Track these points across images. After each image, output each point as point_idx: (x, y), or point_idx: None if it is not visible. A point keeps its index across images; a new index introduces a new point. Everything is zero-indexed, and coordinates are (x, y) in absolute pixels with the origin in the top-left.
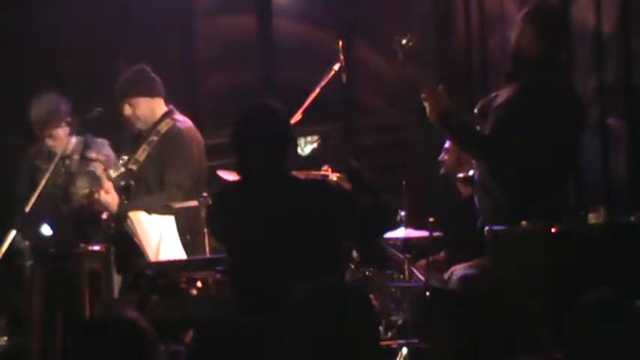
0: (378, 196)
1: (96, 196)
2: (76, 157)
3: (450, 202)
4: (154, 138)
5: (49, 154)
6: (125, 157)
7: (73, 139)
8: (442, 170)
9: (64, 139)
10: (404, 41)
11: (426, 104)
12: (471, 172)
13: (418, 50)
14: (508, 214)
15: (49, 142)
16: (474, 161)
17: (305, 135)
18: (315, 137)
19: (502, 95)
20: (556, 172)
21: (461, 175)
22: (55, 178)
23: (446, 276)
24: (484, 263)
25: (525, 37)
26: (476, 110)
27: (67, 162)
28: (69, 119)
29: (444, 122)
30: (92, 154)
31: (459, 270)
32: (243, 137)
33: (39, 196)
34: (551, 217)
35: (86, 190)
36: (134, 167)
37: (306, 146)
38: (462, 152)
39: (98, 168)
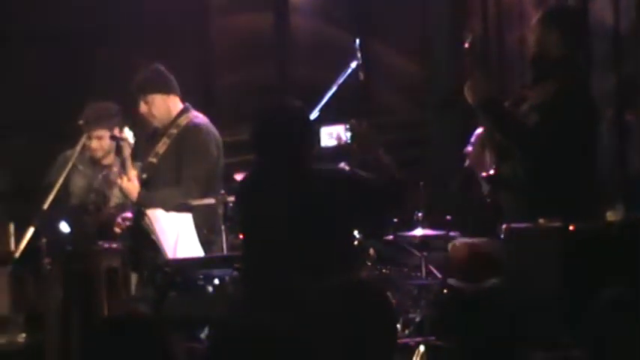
0: (394, 173)
1: (118, 181)
2: (115, 169)
3: (471, 197)
4: (174, 131)
5: (91, 159)
6: (139, 164)
7: (113, 155)
8: (466, 162)
9: (106, 145)
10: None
11: (468, 90)
12: (491, 172)
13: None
14: (529, 211)
15: (92, 144)
16: (493, 160)
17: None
18: (349, 126)
19: (533, 97)
20: (578, 170)
21: (484, 174)
22: (91, 182)
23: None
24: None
25: (546, 39)
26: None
27: (106, 172)
28: (116, 127)
29: (486, 108)
30: (122, 134)
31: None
32: (261, 134)
33: (68, 195)
34: (569, 215)
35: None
36: (154, 160)
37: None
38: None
39: (125, 150)
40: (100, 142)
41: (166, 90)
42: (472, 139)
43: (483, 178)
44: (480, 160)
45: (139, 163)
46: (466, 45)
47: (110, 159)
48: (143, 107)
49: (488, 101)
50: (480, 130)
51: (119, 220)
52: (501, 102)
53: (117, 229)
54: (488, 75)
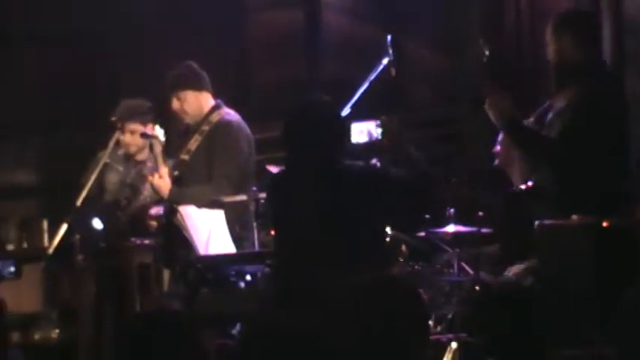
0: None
1: (150, 178)
2: (149, 164)
3: (503, 195)
4: (206, 127)
5: (125, 156)
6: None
7: (147, 150)
8: (496, 162)
9: (139, 140)
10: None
11: (489, 109)
12: (530, 183)
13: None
14: (563, 211)
15: (125, 138)
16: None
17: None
18: (380, 122)
19: (558, 103)
20: (609, 170)
21: (522, 186)
22: (124, 178)
23: (506, 274)
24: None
25: (564, 47)
26: (532, 119)
27: (140, 167)
28: (149, 123)
29: (507, 129)
30: (153, 132)
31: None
32: (293, 131)
33: (101, 192)
34: (603, 212)
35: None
36: (186, 157)
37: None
38: (525, 156)
39: (156, 147)
40: (134, 136)
41: (198, 87)
42: (499, 138)
43: (520, 190)
44: (509, 158)
45: (171, 160)
46: (484, 60)
47: (144, 155)
48: (175, 104)
49: (508, 122)
50: None
51: (152, 212)
52: (521, 121)
53: (151, 223)
54: (508, 93)
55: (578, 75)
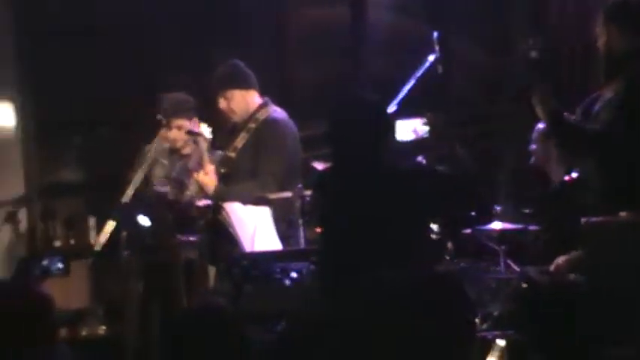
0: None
1: (195, 175)
2: (194, 157)
3: (544, 192)
4: (253, 125)
5: (170, 150)
6: (219, 152)
7: (192, 144)
8: (532, 160)
9: (184, 135)
10: (531, 41)
11: (535, 104)
12: (574, 175)
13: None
14: (609, 207)
15: (171, 134)
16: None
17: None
18: (425, 119)
19: (606, 94)
20: None
21: (566, 178)
22: (169, 172)
23: (552, 268)
24: (583, 256)
25: (611, 37)
26: (578, 111)
27: (184, 161)
28: (194, 117)
29: (554, 124)
30: (199, 129)
31: (562, 261)
32: (339, 128)
33: (148, 187)
34: None
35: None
36: (233, 154)
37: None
38: (570, 152)
39: (202, 144)
40: (180, 132)
41: (245, 85)
42: (534, 136)
43: (562, 182)
44: (546, 157)
45: (219, 152)
46: (533, 55)
47: (189, 149)
48: (222, 103)
49: (554, 117)
50: (540, 126)
51: (198, 209)
52: (565, 117)
53: (198, 219)
54: (552, 88)
55: (625, 64)
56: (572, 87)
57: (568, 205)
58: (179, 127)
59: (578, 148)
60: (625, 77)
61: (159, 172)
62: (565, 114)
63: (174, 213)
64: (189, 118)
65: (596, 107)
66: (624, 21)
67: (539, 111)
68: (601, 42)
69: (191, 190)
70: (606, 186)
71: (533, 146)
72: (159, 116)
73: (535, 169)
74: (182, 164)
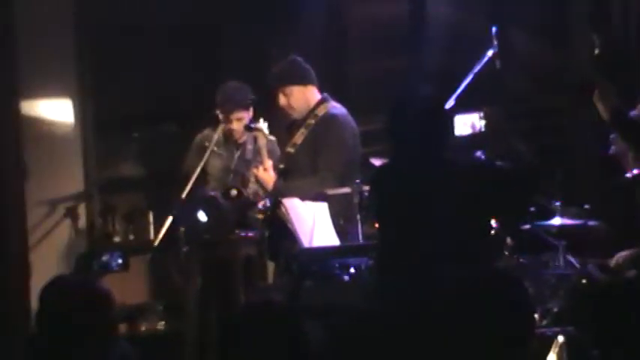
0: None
1: (254, 170)
2: (249, 146)
3: (614, 184)
4: (312, 121)
5: (225, 140)
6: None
7: (247, 133)
8: (612, 149)
9: (243, 126)
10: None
11: (596, 102)
12: (636, 171)
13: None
14: None
15: (234, 126)
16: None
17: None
18: (481, 115)
19: None
20: None
21: (629, 174)
22: (228, 163)
23: (611, 263)
24: None
25: None
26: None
27: (241, 150)
28: (251, 106)
29: (616, 121)
30: (258, 125)
31: (621, 257)
32: (397, 123)
33: (206, 179)
34: None
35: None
36: (292, 150)
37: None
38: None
39: (260, 140)
40: (240, 123)
41: (304, 81)
42: None
43: (629, 177)
44: (625, 147)
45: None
46: (595, 52)
47: (244, 136)
48: (282, 99)
49: (615, 114)
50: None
51: (259, 205)
52: (627, 114)
53: (259, 216)
54: (615, 86)
55: None
56: (633, 83)
57: (633, 200)
58: (239, 119)
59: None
60: None
61: (216, 163)
62: (626, 111)
63: (236, 209)
64: (248, 108)
65: None
66: None
67: (600, 108)
68: None
69: (252, 184)
70: None
71: (613, 135)
72: (217, 112)
73: (614, 159)
74: (240, 155)
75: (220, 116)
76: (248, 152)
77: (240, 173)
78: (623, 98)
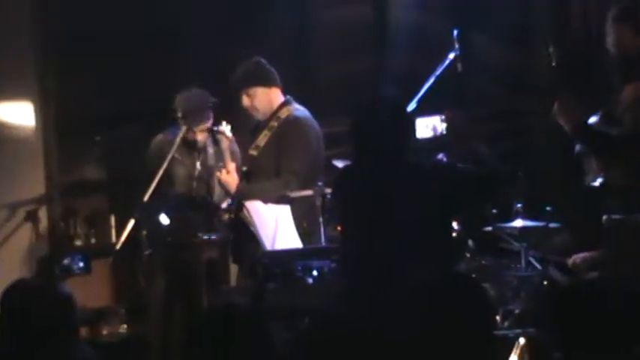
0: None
1: (217, 174)
2: (210, 150)
3: (577, 186)
4: (275, 124)
5: (185, 145)
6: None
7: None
8: (577, 149)
9: (205, 134)
10: (551, 49)
11: (557, 113)
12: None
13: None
14: (633, 206)
15: (198, 137)
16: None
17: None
18: (443, 118)
19: (627, 95)
20: None
21: (595, 184)
22: (191, 170)
23: (569, 263)
24: (604, 253)
25: (624, 39)
26: (600, 114)
27: (203, 156)
28: (211, 115)
29: (576, 135)
30: (221, 128)
31: (579, 258)
32: (360, 126)
33: (171, 185)
34: None
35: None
36: (255, 153)
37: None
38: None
39: (224, 142)
40: (204, 133)
41: (268, 83)
42: None
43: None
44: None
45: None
46: (553, 63)
47: (204, 141)
48: (245, 100)
49: (577, 128)
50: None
51: (223, 205)
52: (588, 125)
53: (224, 216)
54: (575, 98)
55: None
56: (593, 86)
57: (595, 204)
58: (202, 130)
59: (606, 155)
60: None
61: (179, 171)
62: (586, 122)
63: (203, 214)
64: (209, 118)
65: (620, 109)
66: (636, 23)
67: (561, 122)
68: (610, 41)
69: (217, 189)
70: (630, 186)
71: None
72: (179, 115)
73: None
74: (202, 161)
75: (182, 126)
76: (210, 157)
77: (204, 180)
78: (584, 103)
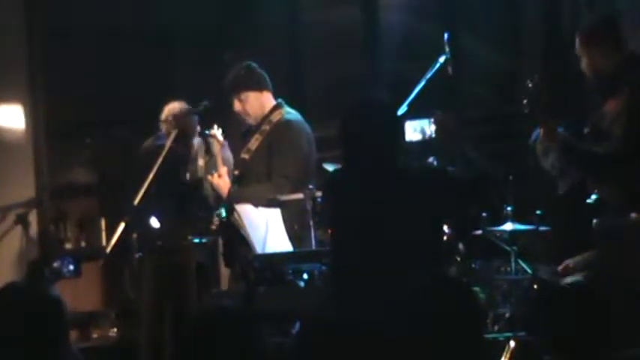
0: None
1: (209, 177)
2: (200, 162)
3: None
4: (266, 127)
5: (175, 154)
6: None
7: (195, 142)
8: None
9: (195, 142)
10: (530, 84)
11: (543, 138)
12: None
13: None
14: (622, 210)
15: (191, 149)
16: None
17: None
18: (432, 121)
19: (610, 109)
20: None
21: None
22: (182, 178)
23: (559, 268)
24: (595, 256)
25: (595, 62)
26: (587, 129)
27: (192, 167)
28: (197, 123)
29: (564, 155)
30: (212, 132)
31: (571, 264)
32: (350, 130)
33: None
34: None
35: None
36: (246, 156)
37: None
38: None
39: (215, 146)
40: (191, 138)
41: (260, 87)
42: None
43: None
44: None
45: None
46: (532, 90)
47: (193, 150)
48: (237, 105)
49: (564, 152)
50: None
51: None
52: (574, 145)
53: (214, 220)
54: (557, 120)
55: (619, 79)
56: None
57: (580, 207)
58: (191, 146)
59: (595, 173)
60: (623, 93)
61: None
62: (574, 144)
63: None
64: (195, 128)
65: (606, 122)
66: (606, 43)
67: (549, 142)
68: (584, 63)
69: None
70: (621, 195)
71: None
72: (167, 121)
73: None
74: (192, 171)
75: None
76: (199, 170)
77: (196, 184)
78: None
